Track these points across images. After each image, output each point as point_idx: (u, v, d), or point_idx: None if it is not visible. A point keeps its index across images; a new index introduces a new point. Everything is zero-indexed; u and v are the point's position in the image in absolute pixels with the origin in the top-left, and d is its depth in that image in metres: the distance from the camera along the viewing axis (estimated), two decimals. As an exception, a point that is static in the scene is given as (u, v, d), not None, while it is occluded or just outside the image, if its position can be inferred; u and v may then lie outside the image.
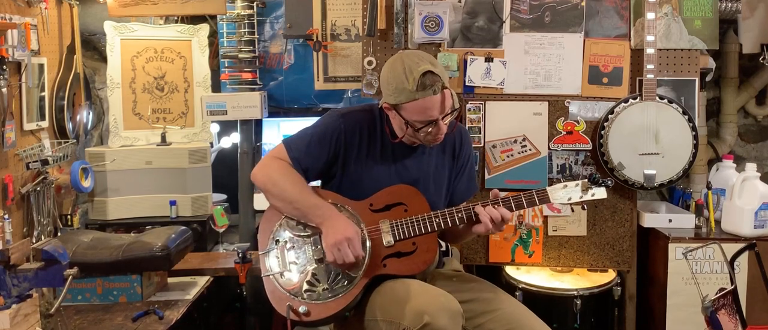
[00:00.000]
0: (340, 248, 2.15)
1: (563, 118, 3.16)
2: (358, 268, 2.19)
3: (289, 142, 2.31)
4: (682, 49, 3.15)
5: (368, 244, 2.22)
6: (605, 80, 3.15)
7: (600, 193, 2.21)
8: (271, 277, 2.25)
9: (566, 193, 2.21)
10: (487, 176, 3.17)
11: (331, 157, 2.29)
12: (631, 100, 3.07)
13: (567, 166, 3.19)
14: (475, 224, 2.23)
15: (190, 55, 3.68)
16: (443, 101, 2.16)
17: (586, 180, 2.21)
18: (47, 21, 3.23)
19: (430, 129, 2.19)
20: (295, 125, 3.57)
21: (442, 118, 2.18)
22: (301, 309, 2.17)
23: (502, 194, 2.26)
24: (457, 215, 2.22)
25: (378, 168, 2.31)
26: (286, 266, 2.24)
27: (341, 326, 2.32)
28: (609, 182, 2.22)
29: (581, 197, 2.21)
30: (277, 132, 3.75)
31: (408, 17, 3.17)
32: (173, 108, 3.68)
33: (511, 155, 3.18)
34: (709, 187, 3.23)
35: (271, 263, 2.27)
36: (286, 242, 2.27)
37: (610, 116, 3.07)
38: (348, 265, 2.18)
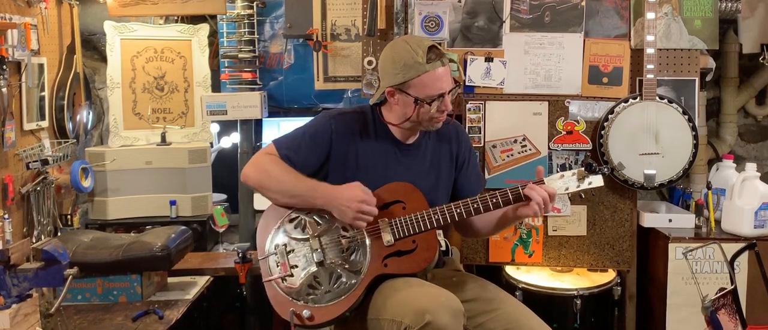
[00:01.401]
0: (363, 212, 2.16)
1: (563, 118, 3.16)
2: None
3: (279, 142, 2.31)
4: (682, 49, 3.15)
5: (368, 242, 2.22)
6: (605, 80, 3.15)
7: (597, 180, 2.20)
8: (272, 281, 2.24)
9: (563, 183, 2.21)
10: (487, 176, 3.17)
11: (322, 159, 2.29)
12: (631, 100, 3.07)
13: (567, 166, 3.19)
14: (521, 207, 2.20)
15: (190, 55, 3.68)
16: (449, 74, 2.20)
17: (582, 168, 2.21)
18: (47, 21, 3.23)
19: (439, 105, 2.20)
20: (295, 125, 3.54)
21: (448, 92, 2.20)
22: (305, 313, 2.17)
23: (500, 190, 2.25)
24: (456, 211, 2.21)
25: (373, 168, 2.31)
26: (287, 270, 2.24)
27: (343, 326, 2.32)
28: (605, 169, 2.22)
29: (578, 186, 2.21)
30: (277, 132, 3.74)
31: (408, 17, 3.17)
32: (173, 108, 3.68)
33: (511, 155, 3.18)
34: (709, 187, 3.23)
35: (271, 267, 2.26)
36: (285, 245, 2.27)
37: (610, 116, 3.07)
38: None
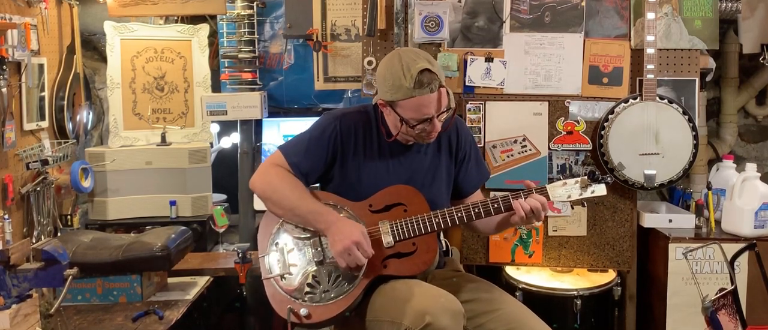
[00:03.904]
0: (350, 253, 2.14)
1: (563, 118, 3.16)
2: (360, 269, 2.19)
3: (286, 148, 2.30)
4: (682, 49, 3.15)
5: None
6: (605, 80, 3.15)
7: (599, 190, 2.19)
8: (271, 279, 2.24)
9: (566, 191, 2.20)
10: (487, 176, 3.17)
11: (329, 160, 2.29)
12: (631, 100, 3.07)
13: (567, 166, 3.19)
14: (511, 215, 2.20)
15: (190, 55, 3.68)
16: (439, 99, 2.17)
17: (586, 177, 2.19)
18: (47, 21, 3.23)
19: (425, 126, 2.19)
20: (295, 125, 3.58)
21: (438, 116, 2.18)
22: (302, 311, 2.17)
23: (501, 194, 2.25)
24: (457, 215, 2.21)
25: (375, 167, 2.31)
26: (286, 268, 2.24)
27: (342, 326, 2.32)
28: (608, 179, 2.21)
29: (581, 195, 2.19)
30: (277, 132, 3.75)
31: (408, 17, 3.17)
32: (173, 108, 3.68)
33: (511, 155, 3.18)
34: (709, 187, 3.23)
35: (271, 265, 2.26)
36: (286, 244, 2.27)
37: (610, 116, 3.07)
38: (359, 268, 2.18)
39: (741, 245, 2.59)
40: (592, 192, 2.19)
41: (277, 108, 3.76)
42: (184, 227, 3.04)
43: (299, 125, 2.42)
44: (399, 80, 2.14)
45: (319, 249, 2.23)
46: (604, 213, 3.20)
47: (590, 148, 3.16)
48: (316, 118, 2.38)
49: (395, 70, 2.15)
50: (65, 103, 3.31)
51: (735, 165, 3.29)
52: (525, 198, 2.18)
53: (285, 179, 2.23)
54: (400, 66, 2.15)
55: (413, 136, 2.24)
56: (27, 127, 3.09)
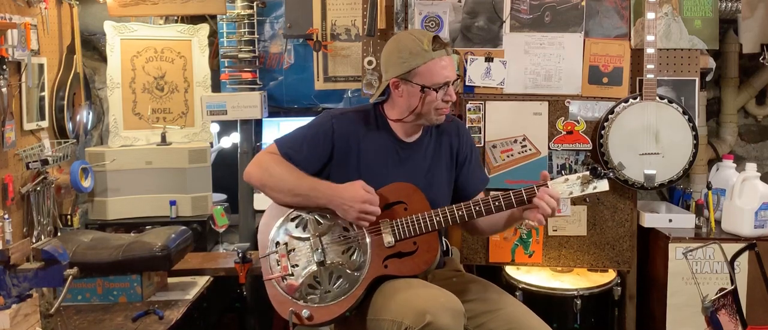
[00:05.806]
0: (365, 212, 2.16)
1: (563, 118, 3.16)
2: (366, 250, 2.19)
3: (281, 141, 2.31)
4: (682, 49, 3.16)
5: (368, 243, 2.22)
6: (605, 80, 3.15)
7: (602, 185, 2.15)
8: (272, 280, 2.24)
9: (567, 188, 2.17)
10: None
11: (324, 158, 2.29)
12: (631, 100, 3.07)
13: (567, 166, 3.19)
14: (527, 211, 2.18)
15: (190, 55, 3.68)
16: (453, 64, 2.25)
17: (587, 173, 2.16)
18: (47, 21, 3.23)
19: (443, 96, 2.22)
20: (295, 125, 3.55)
21: (452, 83, 2.23)
22: (304, 313, 2.17)
23: (503, 193, 2.24)
24: (458, 213, 2.21)
25: (376, 167, 2.30)
26: (287, 269, 2.24)
27: (342, 326, 2.32)
28: (610, 174, 2.17)
29: (583, 191, 2.16)
30: (277, 132, 3.74)
31: (408, 17, 3.17)
32: (173, 108, 3.68)
33: (511, 155, 3.18)
34: (709, 187, 3.23)
35: (272, 266, 2.26)
36: (286, 244, 2.27)
37: (610, 116, 3.07)
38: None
39: (741, 245, 2.59)
40: (594, 188, 2.15)
41: (277, 108, 3.76)
42: (184, 227, 3.04)
43: (299, 125, 2.42)
44: (417, 47, 2.19)
45: (320, 250, 2.23)
46: (604, 213, 3.21)
47: (590, 148, 3.16)
48: (316, 118, 2.39)
49: (408, 42, 2.22)
50: (65, 103, 3.31)
51: (735, 165, 3.29)
52: (528, 198, 2.16)
53: (280, 164, 2.24)
54: (413, 37, 2.22)
55: (430, 110, 2.24)
56: (27, 127, 3.09)
